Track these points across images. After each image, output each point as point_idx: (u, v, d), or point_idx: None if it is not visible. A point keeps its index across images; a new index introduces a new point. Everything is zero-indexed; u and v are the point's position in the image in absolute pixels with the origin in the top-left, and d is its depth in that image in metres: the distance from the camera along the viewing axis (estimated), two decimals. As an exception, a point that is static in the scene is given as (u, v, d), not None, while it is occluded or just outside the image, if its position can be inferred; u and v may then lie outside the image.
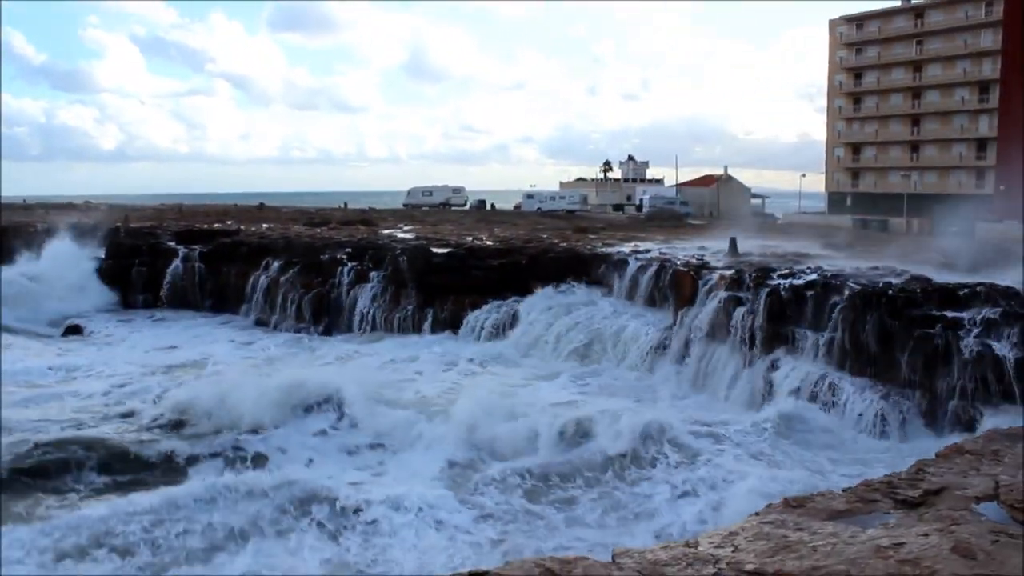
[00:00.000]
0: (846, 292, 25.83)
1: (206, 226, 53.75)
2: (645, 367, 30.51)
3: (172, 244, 48.12)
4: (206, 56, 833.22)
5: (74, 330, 39.58)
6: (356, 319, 39.30)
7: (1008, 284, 24.81)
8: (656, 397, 27.62)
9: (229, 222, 57.49)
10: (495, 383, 28.44)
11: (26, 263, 45.07)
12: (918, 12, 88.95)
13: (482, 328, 35.89)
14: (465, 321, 36.45)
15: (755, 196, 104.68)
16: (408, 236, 46.87)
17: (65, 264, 45.38)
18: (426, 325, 37.52)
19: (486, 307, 36.56)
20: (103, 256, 47.40)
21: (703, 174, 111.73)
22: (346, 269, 40.96)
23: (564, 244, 41.36)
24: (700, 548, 4.09)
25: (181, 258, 46.33)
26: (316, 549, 16.24)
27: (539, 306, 34.97)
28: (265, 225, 55.41)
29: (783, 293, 27.39)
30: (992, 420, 18.71)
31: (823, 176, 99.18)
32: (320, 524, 17.08)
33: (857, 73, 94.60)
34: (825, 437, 22.92)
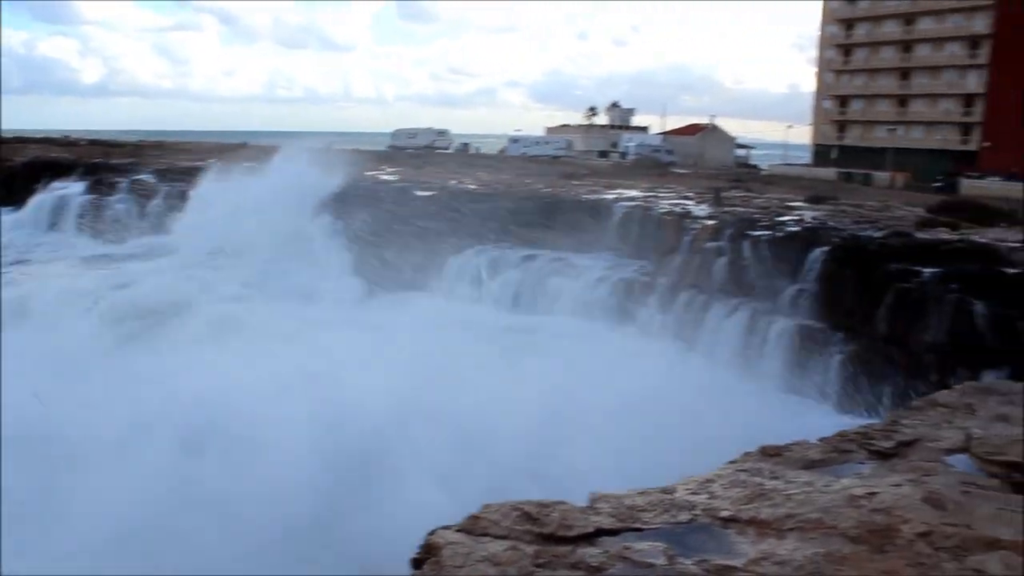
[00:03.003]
0: (826, 245, 25.97)
1: (187, 163, 53.19)
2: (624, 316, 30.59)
3: (152, 180, 47.83)
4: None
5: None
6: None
7: (986, 240, 25.00)
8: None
9: (211, 160, 56.86)
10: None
11: None
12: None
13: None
14: (447, 268, 36.40)
15: (740, 147, 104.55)
16: (391, 179, 46.53)
17: None
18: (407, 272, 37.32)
19: (470, 252, 36.49)
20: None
21: (689, 123, 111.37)
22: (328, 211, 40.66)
23: (548, 190, 41.20)
24: (676, 495, 4.15)
25: (162, 196, 46.00)
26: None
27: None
28: (247, 164, 54.79)
29: (764, 244, 27.49)
30: (965, 374, 18.90)
31: (810, 128, 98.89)
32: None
33: (849, 24, 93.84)
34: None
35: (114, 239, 44.05)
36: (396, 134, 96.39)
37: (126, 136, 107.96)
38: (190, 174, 48.16)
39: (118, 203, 46.29)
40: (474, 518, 3.73)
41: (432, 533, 3.69)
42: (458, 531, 3.65)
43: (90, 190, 47.65)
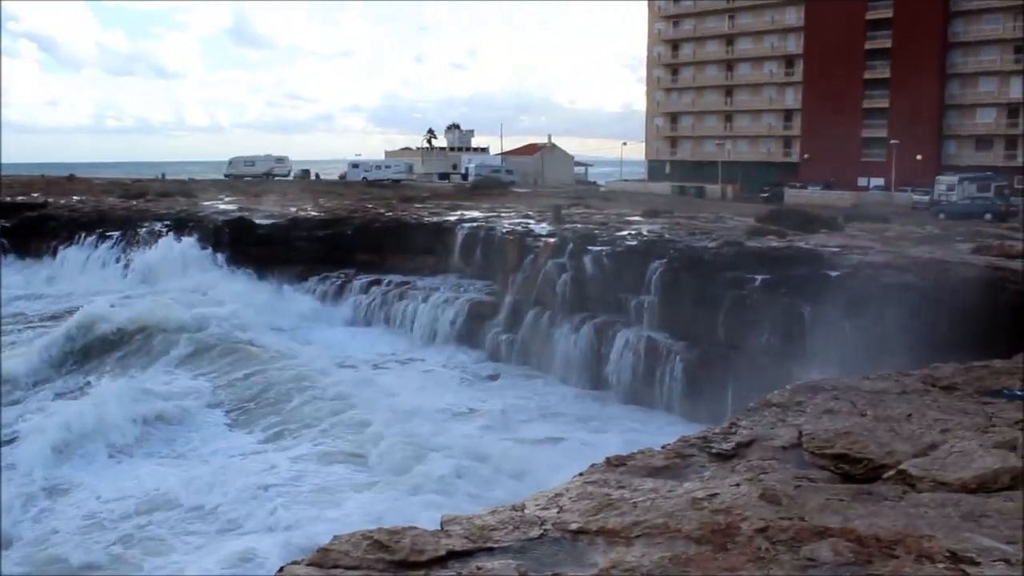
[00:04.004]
0: (664, 257, 26.81)
1: (8, 199, 50.30)
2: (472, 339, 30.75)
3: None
4: (7, 14, 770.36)
5: None
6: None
7: (810, 246, 26.38)
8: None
9: (35, 195, 53.97)
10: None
11: None
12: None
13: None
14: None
15: (579, 164, 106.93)
16: (230, 208, 45.38)
17: None
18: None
19: (313, 281, 35.97)
20: None
21: (528, 143, 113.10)
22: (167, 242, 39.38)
23: (390, 214, 41.06)
24: (527, 511, 4.17)
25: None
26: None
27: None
28: (76, 198, 52.33)
29: (605, 259, 28.14)
30: (797, 373, 19.79)
31: (643, 144, 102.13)
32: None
33: (675, 45, 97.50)
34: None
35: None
36: (233, 162, 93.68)
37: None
38: (11, 210, 45.73)
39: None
40: (324, 551, 3.65)
41: (281, 570, 3.60)
42: (309, 565, 3.56)
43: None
